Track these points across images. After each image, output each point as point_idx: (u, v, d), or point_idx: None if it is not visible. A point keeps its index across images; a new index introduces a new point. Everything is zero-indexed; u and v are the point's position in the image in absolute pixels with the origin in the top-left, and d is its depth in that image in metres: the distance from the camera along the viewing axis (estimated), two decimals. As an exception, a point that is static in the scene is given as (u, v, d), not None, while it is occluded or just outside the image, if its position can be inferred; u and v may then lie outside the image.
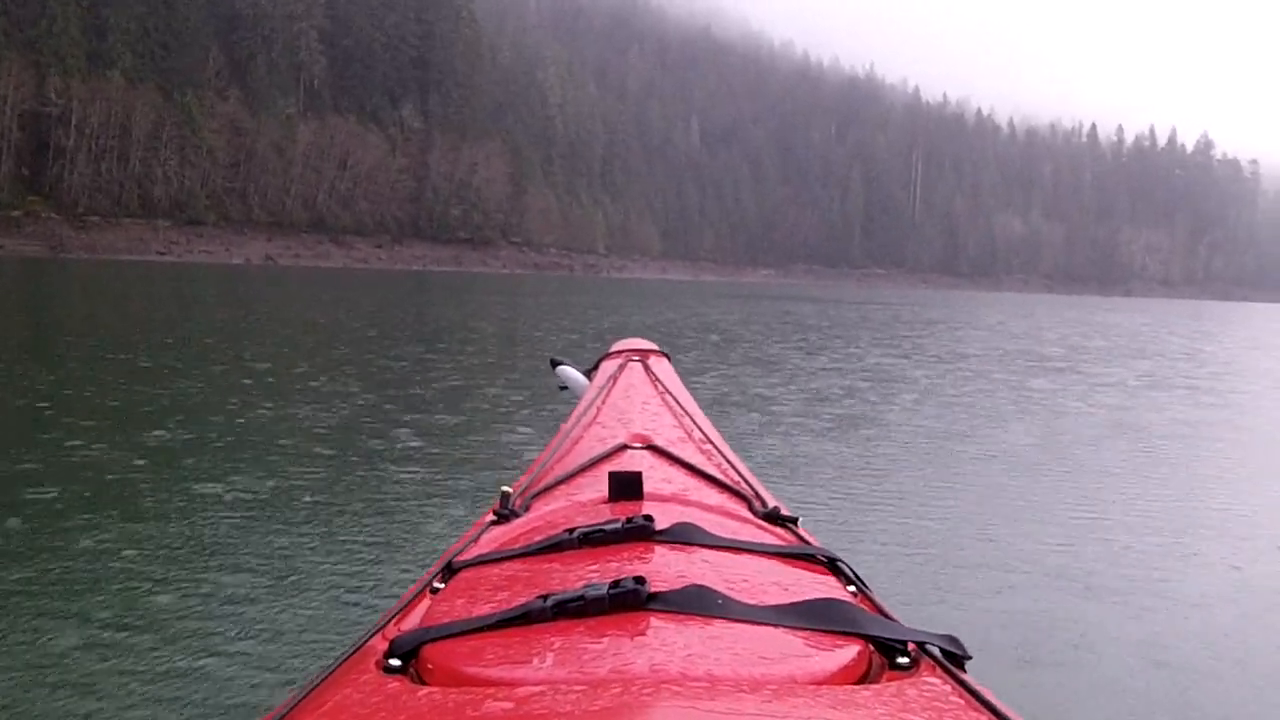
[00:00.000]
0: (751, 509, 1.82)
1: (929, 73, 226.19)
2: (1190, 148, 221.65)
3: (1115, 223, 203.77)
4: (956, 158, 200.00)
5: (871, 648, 1.11)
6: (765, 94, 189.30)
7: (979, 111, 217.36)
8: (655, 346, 3.56)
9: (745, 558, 1.43)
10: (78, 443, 7.79)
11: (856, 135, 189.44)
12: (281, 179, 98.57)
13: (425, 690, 1.01)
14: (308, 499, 6.50)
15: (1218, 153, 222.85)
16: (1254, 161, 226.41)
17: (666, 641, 1.07)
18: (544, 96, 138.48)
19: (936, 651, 1.10)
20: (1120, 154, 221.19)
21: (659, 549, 1.40)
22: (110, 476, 6.82)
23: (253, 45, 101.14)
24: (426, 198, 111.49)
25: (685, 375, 3.33)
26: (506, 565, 1.43)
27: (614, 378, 3.01)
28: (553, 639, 1.10)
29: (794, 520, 1.76)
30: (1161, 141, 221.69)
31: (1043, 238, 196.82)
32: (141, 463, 7.32)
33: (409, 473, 7.45)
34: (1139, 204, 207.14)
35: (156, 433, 8.41)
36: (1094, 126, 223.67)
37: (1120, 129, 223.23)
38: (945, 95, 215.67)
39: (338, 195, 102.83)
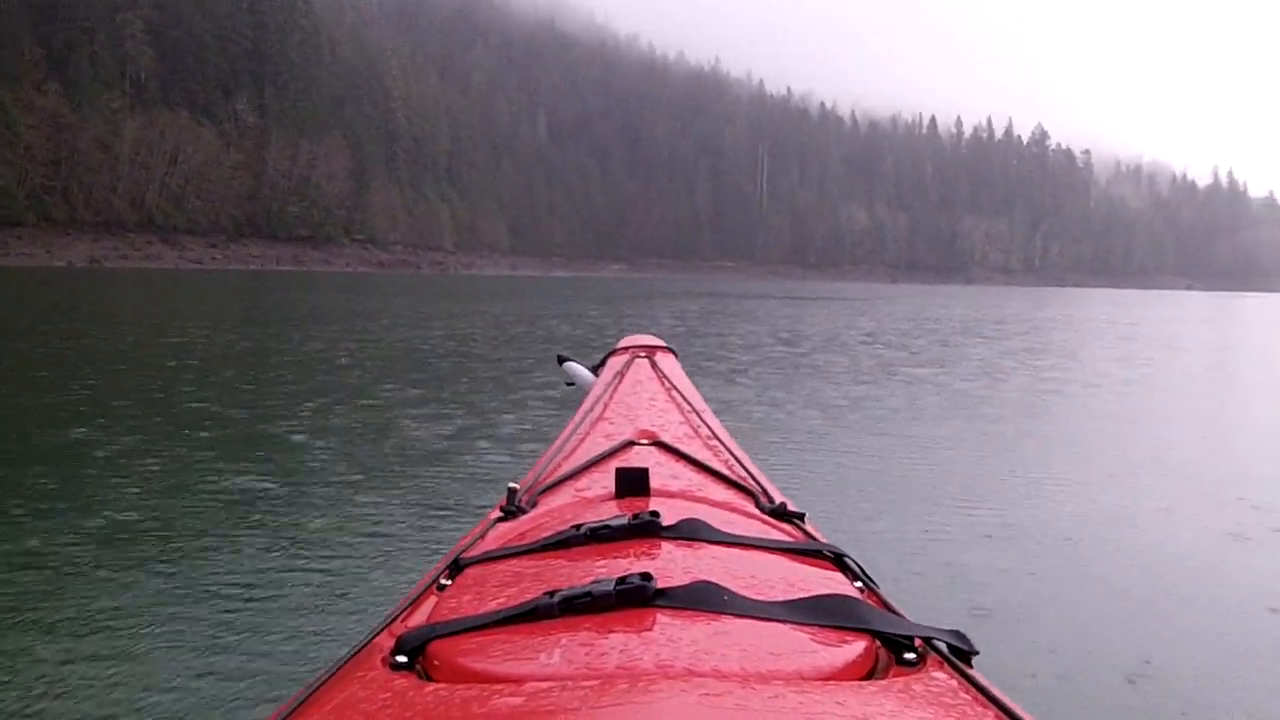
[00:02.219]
0: (758, 505, 1.84)
1: (773, 66, 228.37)
2: (1026, 139, 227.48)
3: (956, 212, 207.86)
4: (802, 150, 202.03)
5: (878, 643, 1.12)
6: (612, 88, 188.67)
7: (822, 104, 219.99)
8: (662, 342, 3.59)
9: (752, 554, 1.43)
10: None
11: (703, 129, 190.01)
12: (107, 177, 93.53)
13: (432, 687, 1.01)
14: (312, 496, 6.53)
15: (1052, 143, 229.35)
16: (1087, 152, 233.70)
17: (673, 638, 1.08)
18: (386, 90, 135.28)
19: (943, 647, 1.11)
20: (960, 145, 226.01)
21: (666, 545, 1.41)
22: (105, 469, 7.10)
23: (72, 37, 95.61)
24: (264, 195, 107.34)
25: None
26: (513, 562, 1.44)
27: (620, 374, 3.06)
28: (560, 635, 1.10)
29: (801, 516, 1.78)
30: (999, 133, 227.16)
31: (887, 228, 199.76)
32: (147, 458, 7.53)
33: (416, 469, 7.49)
34: (978, 194, 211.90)
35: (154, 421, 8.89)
36: (934, 119, 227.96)
37: (959, 120, 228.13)
38: (789, 89, 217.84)
39: (169, 193, 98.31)
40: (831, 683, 1.01)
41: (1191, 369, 20.76)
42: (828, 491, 7.18)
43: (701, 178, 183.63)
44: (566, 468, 2.07)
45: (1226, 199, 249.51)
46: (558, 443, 2.34)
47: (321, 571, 5.03)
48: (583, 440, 2.30)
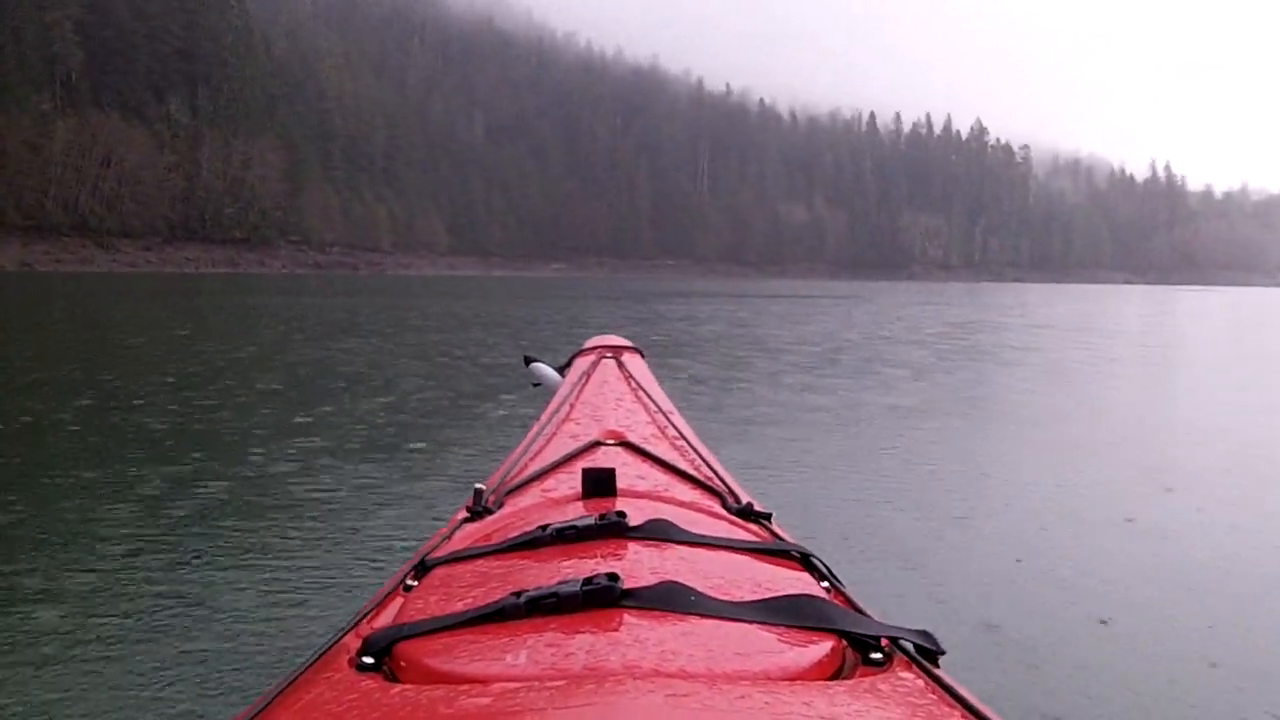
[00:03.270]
0: (725, 505, 1.83)
1: (711, 64, 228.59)
2: (965, 134, 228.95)
3: (896, 209, 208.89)
4: (741, 148, 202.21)
5: (845, 643, 1.12)
6: (550, 86, 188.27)
7: (761, 101, 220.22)
8: (629, 343, 3.61)
9: (719, 554, 1.43)
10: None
11: (642, 126, 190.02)
12: (38, 179, 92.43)
13: (399, 688, 1.01)
14: (274, 498, 6.37)
15: (991, 139, 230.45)
16: (1025, 147, 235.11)
17: (640, 638, 1.08)
18: (321, 90, 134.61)
19: (910, 647, 1.11)
20: (899, 141, 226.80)
21: (632, 546, 1.41)
22: (66, 473, 6.90)
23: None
24: (198, 196, 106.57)
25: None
26: (480, 562, 1.44)
27: (587, 374, 3.06)
28: (526, 636, 1.10)
29: (768, 516, 1.77)
30: (938, 129, 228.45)
31: (827, 225, 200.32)
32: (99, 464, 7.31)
33: (379, 470, 7.27)
34: (918, 190, 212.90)
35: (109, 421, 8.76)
36: (873, 115, 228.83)
37: (898, 117, 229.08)
38: (728, 86, 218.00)
39: (101, 195, 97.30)
40: (798, 683, 1.01)
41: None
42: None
43: (641, 176, 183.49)
44: (533, 468, 2.06)
45: (1164, 193, 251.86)
46: (524, 443, 2.34)
47: (286, 573, 4.92)
48: (549, 441, 2.30)
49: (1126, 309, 50.88)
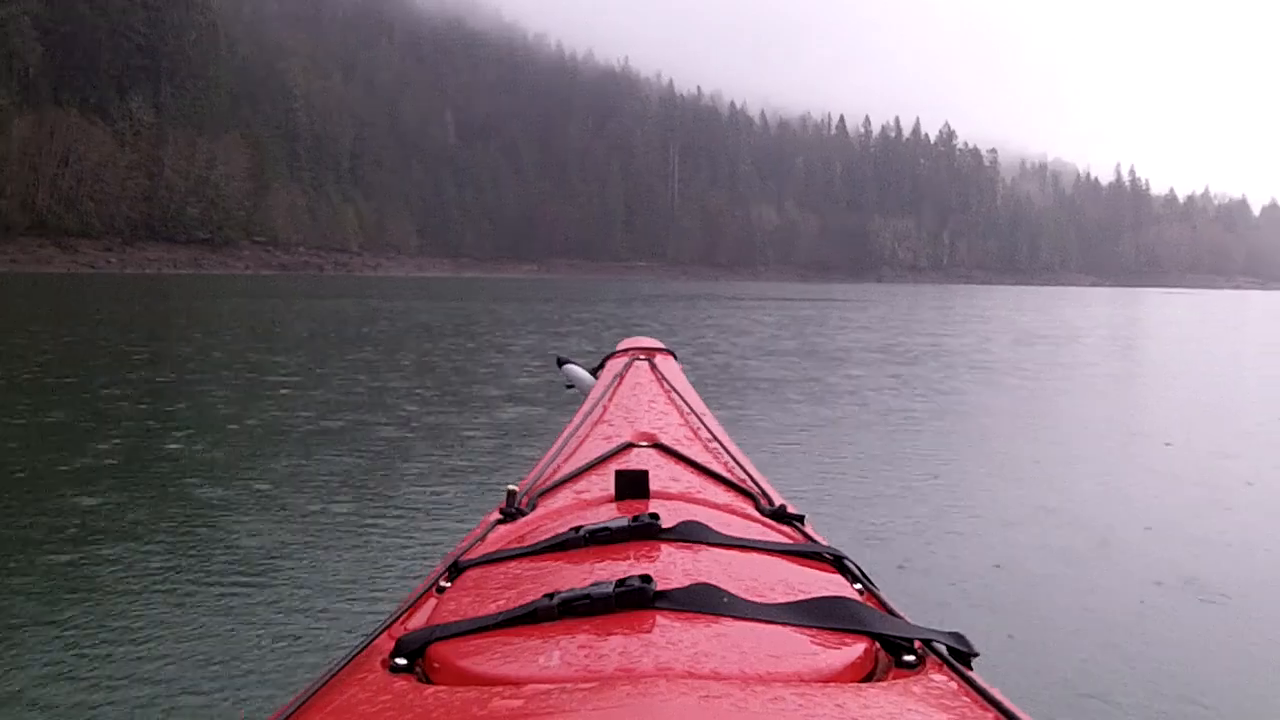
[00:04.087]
0: (758, 507, 1.85)
1: (682, 66, 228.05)
2: (934, 138, 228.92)
3: (865, 212, 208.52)
4: (712, 150, 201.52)
5: (878, 646, 1.12)
6: (522, 87, 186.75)
7: (732, 104, 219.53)
8: (661, 345, 3.64)
9: (752, 556, 1.44)
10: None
11: (614, 128, 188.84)
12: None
13: (432, 689, 1.01)
14: (310, 500, 6.45)
15: (959, 142, 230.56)
16: (993, 151, 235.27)
17: (673, 640, 1.08)
18: (287, 88, 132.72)
19: (943, 649, 1.11)
20: (868, 145, 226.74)
21: (665, 547, 1.41)
22: (107, 471, 7.10)
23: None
24: (160, 196, 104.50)
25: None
26: (513, 564, 1.44)
27: (620, 376, 3.08)
28: (559, 637, 1.11)
29: (800, 518, 1.78)
30: (907, 132, 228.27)
31: (797, 228, 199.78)
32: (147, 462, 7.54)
33: (414, 472, 7.40)
34: (887, 193, 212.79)
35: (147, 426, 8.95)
36: (842, 119, 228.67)
37: (867, 120, 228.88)
38: (699, 88, 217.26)
39: (60, 195, 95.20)
40: (831, 685, 1.01)
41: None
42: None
43: (613, 177, 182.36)
44: (566, 470, 2.07)
45: (1129, 197, 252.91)
46: (557, 445, 2.35)
47: (320, 575, 4.96)
48: (582, 442, 2.31)
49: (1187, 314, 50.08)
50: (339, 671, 1.12)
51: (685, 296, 53.52)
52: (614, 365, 3.30)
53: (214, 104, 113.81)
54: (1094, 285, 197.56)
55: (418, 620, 1.29)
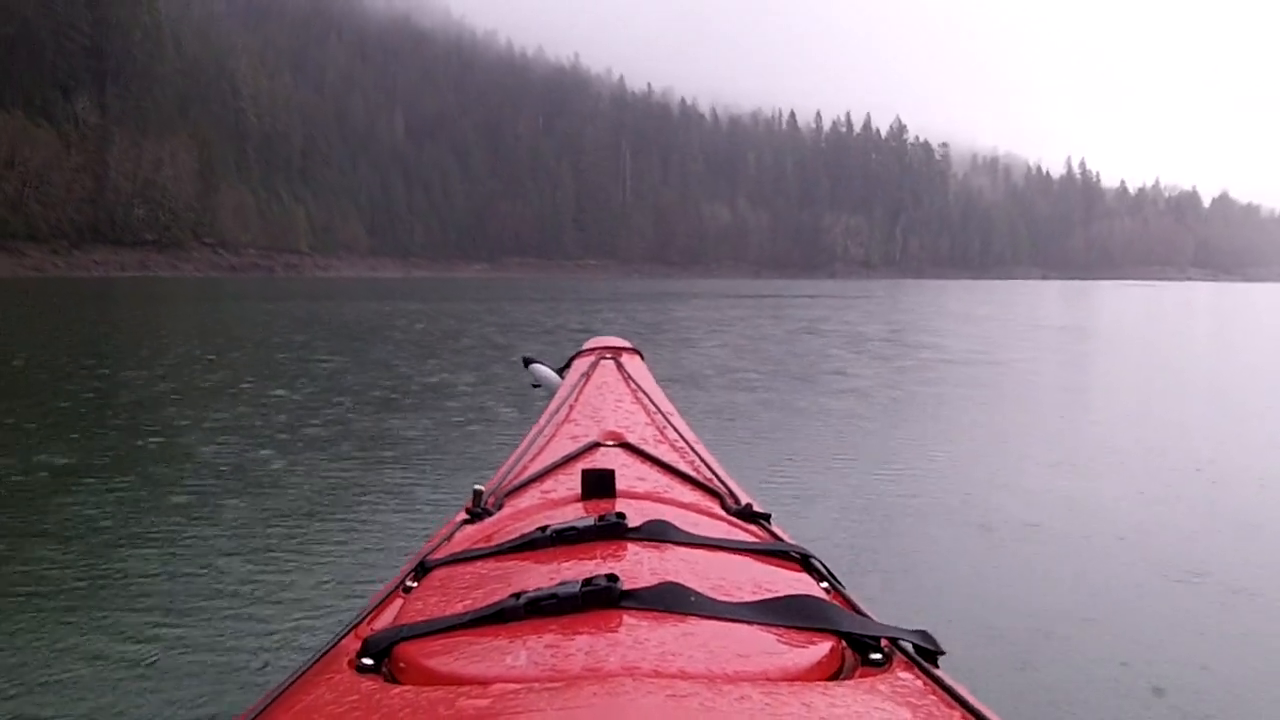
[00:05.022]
0: (724, 506, 1.84)
1: (633, 63, 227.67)
2: (885, 132, 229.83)
3: (817, 208, 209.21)
4: (664, 148, 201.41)
5: (844, 644, 1.12)
6: (471, 85, 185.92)
7: (683, 101, 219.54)
8: (628, 344, 3.66)
9: (718, 555, 1.43)
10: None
11: (565, 126, 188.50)
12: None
13: (399, 689, 1.01)
14: (274, 500, 6.46)
15: (910, 137, 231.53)
16: (944, 145, 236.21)
17: (639, 639, 1.08)
18: (235, 88, 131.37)
19: (909, 647, 1.11)
20: (819, 140, 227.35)
21: (632, 547, 1.41)
22: (74, 474, 7.13)
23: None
24: (107, 198, 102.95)
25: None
26: (479, 564, 1.44)
27: (587, 375, 3.10)
28: (526, 637, 1.10)
29: (766, 517, 1.78)
30: (858, 127, 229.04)
31: (749, 225, 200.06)
32: (104, 461, 7.62)
33: (379, 472, 7.42)
34: (839, 188, 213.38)
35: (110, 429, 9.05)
36: (793, 114, 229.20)
37: (818, 115, 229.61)
38: (650, 85, 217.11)
39: (5, 198, 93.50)
40: (798, 683, 1.01)
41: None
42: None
43: (564, 175, 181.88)
44: (533, 470, 2.07)
45: (1080, 190, 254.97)
46: (524, 445, 2.35)
47: (285, 575, 4.95)
48: (549, 442, 2.30)
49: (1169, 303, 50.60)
50: (305, 672, 1.11)
51: (639, 296, 53.19)
52: (580, 364, 3.31)
53: (160, 104, 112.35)
54: (1045, 279, 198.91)
55: (384, 620, 1.28)
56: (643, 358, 3.57)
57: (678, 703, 0.89)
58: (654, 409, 2.61)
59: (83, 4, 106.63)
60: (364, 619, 1.30)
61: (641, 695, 0.91)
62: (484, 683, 0.99)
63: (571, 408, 2.61)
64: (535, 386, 4.09)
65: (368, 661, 1.09)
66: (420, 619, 1.20)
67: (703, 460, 2.19)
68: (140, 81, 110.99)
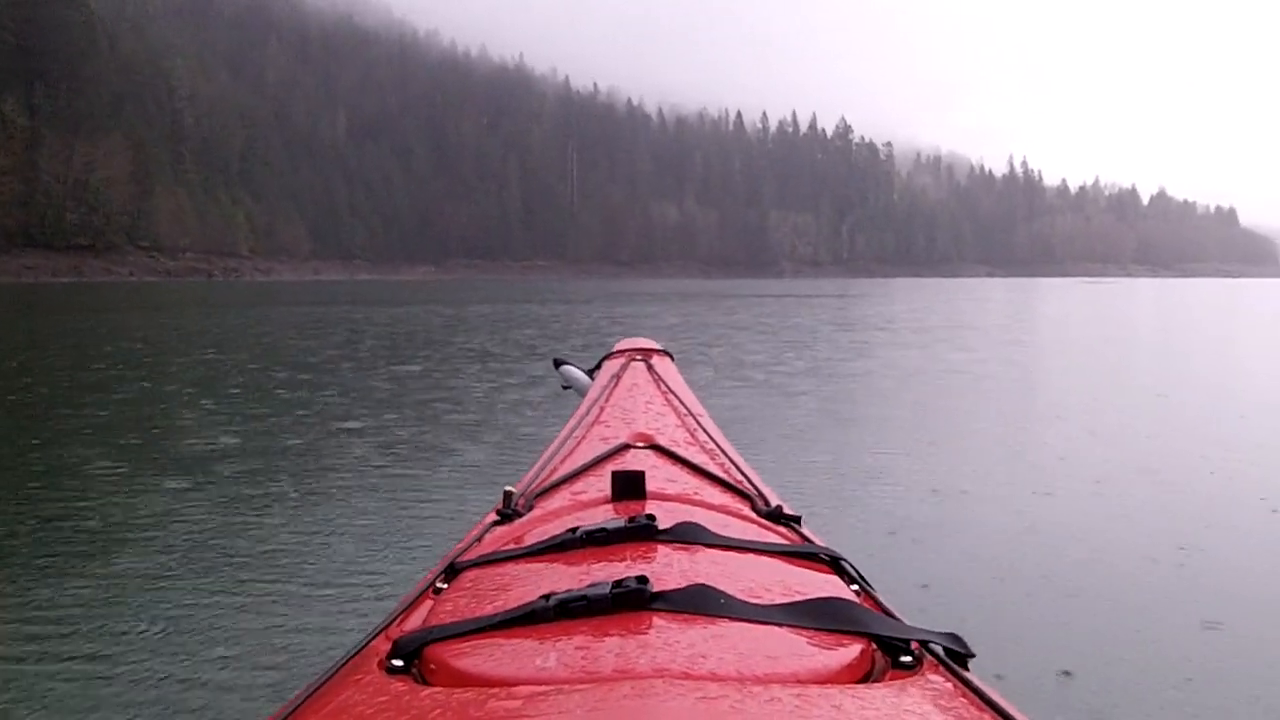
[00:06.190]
0: (755, 508, 1.86)
1: (578, 63, 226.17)
2: (830, 132, 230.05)
3: (764, 207, 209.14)
4: (611, 148, 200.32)
5: (875, 647, 1.12)
6: (413, 85, 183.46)
7: (629, 101, 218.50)
8: (658, 346, 3.67)
9: (748, 557, 1.45)
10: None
11: (510, 126, 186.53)
12: None
13: (428, 690, 1.01)
14: (307, 502, 6.56)
15: (856, 136, 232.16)
16: (889, 144, 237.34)
17: (669, 641, 1.08)
18: (171, 88, 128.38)
19: (940, 650, 1.11)
20: (766, 140, 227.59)
21: (662, 549, 1.41)
22: (103, 472, 7.37)
23: None
24: (37, 201, 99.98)
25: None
26: (509, 565, 1.44)
27: (617, 377, 3.10)
28: (556, 639, 1.10)
29: (797, 519, 1.79)
30: (804, 127, 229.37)
31: (697, 224, 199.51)
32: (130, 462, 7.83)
33: (410, 473, 7.51)
34: (786, 188, 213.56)
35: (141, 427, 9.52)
36: (740, 114, 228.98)
37: (765, 115, 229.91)
38: (595, 85, 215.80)
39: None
40: (828, 686, 1.00)
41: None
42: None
43: (510, 176, 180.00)
44: (563, 471, 2.08)
45: (1022, 188, 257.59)
46: (554, 446, 2.36)
47: (317, 576, 5.01)
48: (579, 444, 2.31)
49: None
50: (336, 673, 1.12)
51: (583, 299, 51.78)
52: (610, 366, 3.33)
53: (93, 105, 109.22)
54: (990, 275, 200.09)
55: (414, 622, 1.29)
56: (673, 359, 3.54)
57: (708, 705, 0.90)
58: (684, 411, 2.61)
59: (9, 3, 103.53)
60: (394, 620, 1.31)
61: (672, 697, 0.91)
62: (514, 684, 1.00)
63: (602, 409, 2.61)
64: (566, 388, 4.04)
65: (398, 663, 1.10)
66: (450, 620, 1.20)
67: (733, 462, 2.19)
68: (71, 82, 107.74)
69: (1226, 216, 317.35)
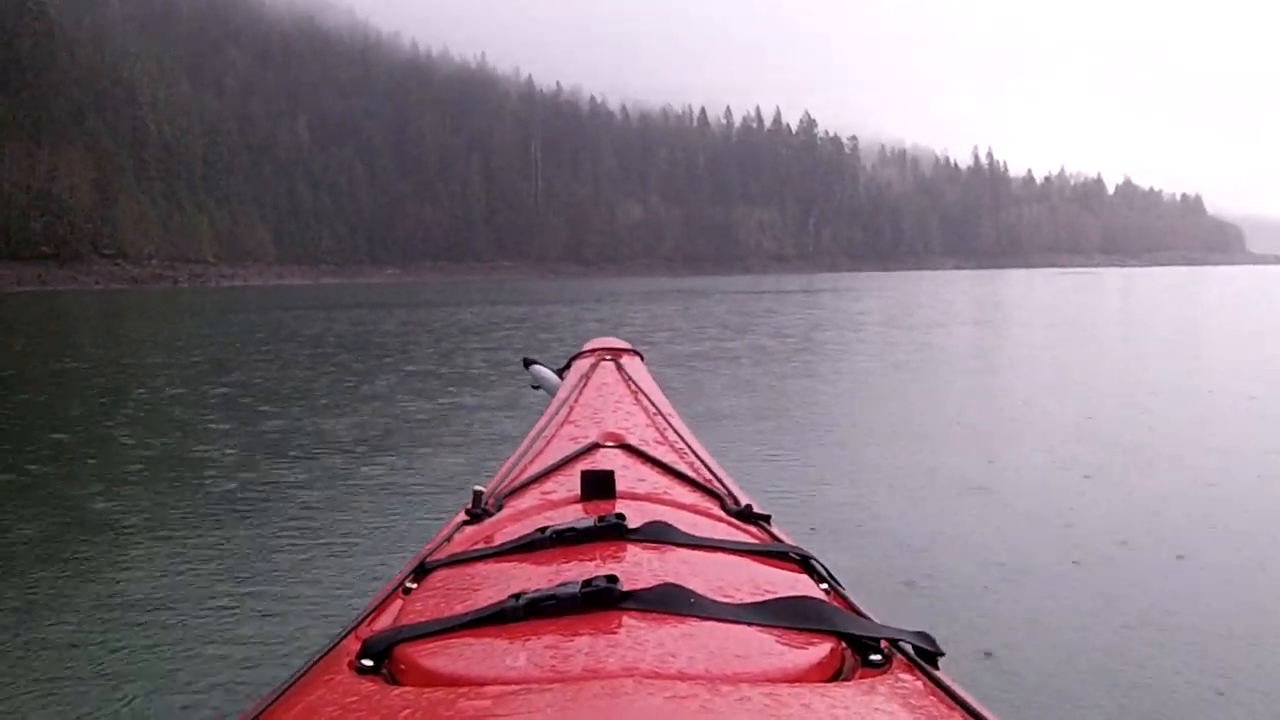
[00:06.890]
0: (724, 507, 1.84)
1: (540, 62, 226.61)
2: (795, 127, 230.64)
3: (730, 203, 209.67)
4: (575, 146, 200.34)
5: (844, 645, 1.12)
6: (376, 86, 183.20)
7: (592, 99, 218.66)
8: (628, 345, 3.69)
9: (718, 556, 1.44)
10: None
11: (473, 126, 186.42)
12: None
13: (398, 690, 1.01)
14: (276, 502, 6.62)
15: (820, 131, 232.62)
16: (853, 138, 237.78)
17: (639, 640, 1.08)
18: (132, 95, 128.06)
19: (909, 649, 1.12)
20: (730, 136, 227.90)
21: (631, 548, 1.41)
22: (75, 477, 7.59)
23: None
24: (0, 211, 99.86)
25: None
26: (479, 565, 1.44)
27: (586, 376, 3.10)
28: (526, 638, 1.10)
29: (766, 518, 1.78)
30: (768, 122, 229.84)
31: (663, 221, 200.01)
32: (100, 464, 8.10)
33: (379, 473, 7.54)
34: (751, 183, 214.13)
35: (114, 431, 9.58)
36: (703, 110, 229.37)
37: (728, 111, 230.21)
38: (558, 84, 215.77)
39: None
40: (798, 684, 1.01)
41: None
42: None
43: (474, 176, 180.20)
44: (532, 471, 2.07)
45: (988, 179, 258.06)
46: (523, 446, 2.36)
47: (285, 576, 5.02)
48: (549, 443, 2.31)
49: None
50: (305, 673, 1.11)
51: (548, 301, 52.13)
52: (580, 366, 3.33)
53: (54, 113, 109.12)
54: (957, 268, 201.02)
55: (384, 621, 1.28)
56: (643, 359, 3.56)
57: (677, 704, 0.90)
58: (654, 410, 2.61)
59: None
60: (363, 620, 1.30)
61: (641, 696, 0.91)
62: (483, 684, 1.00)
63: (571, 409, 2.62)
64: (535, 388, 4.08)
65: (367, 663, 1.10)
66: (420, 620, 1.20)
67: (703, 462, 2.20)
68: (30, 90, 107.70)
69: (1193, 204, 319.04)
